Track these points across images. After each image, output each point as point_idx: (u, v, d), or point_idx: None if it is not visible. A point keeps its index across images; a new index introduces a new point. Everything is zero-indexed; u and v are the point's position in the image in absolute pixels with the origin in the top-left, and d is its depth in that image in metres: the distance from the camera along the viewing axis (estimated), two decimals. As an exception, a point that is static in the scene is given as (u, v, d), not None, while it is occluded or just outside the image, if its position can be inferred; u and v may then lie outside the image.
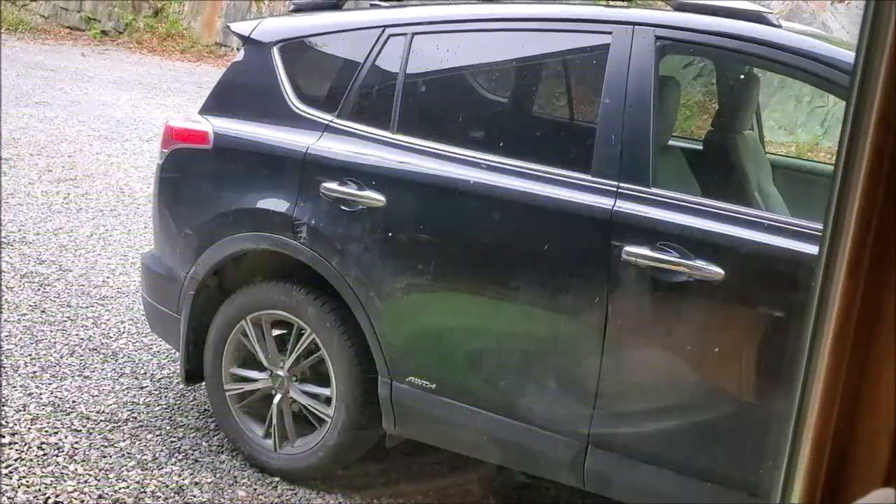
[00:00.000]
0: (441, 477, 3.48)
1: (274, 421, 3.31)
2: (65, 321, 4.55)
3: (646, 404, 2.65)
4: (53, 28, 16.30)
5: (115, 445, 3.46)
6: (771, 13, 2.68)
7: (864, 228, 0.69)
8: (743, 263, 2.45)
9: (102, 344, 4.34)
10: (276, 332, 3.31)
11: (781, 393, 2.41)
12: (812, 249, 2.33)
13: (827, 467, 0.79)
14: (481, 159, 2.86)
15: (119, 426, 3.60)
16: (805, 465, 0.80)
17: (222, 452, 3.49)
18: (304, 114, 3.21)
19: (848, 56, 2.47)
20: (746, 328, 2.49)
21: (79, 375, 4.00)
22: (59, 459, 3.32)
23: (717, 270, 2.43)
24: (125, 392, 3.90)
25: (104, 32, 16.19)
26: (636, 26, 2.70)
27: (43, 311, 4.63)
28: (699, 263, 2.45)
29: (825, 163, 5.31)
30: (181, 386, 3.97)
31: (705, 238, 2.48)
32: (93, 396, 3.82)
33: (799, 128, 10.11)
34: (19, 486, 3.14)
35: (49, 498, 3.10)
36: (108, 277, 5.21)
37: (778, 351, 2.41)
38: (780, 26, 2.62)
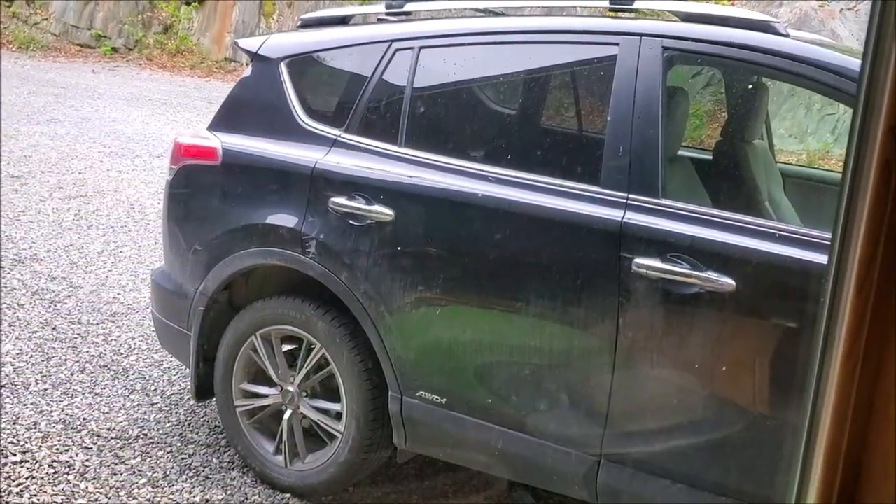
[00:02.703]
0: (451, 495, 3.46)
1: (284, 437, 3.30)
2: (76, 338, 4.56)
3: (658, 417, 2.63)
4: (64, 46, 16.43)
5: (126, 463, 3.46)
6: (778, 22, 2.67)
7: (871, 245, 0.68)
8: (754, 274, 2.43)
9: (113, 361, 4.35)
10: (285, 348, 3.31)
11: (795, 405, 2.39)
12: (824, 259, 2.31)
13: (840, 481, 0.78)
14: (489, 172, 2.86)
15: (130, 443, 3.60)
16: (818, 478, 0.78)
17: (233, 469, 3.48)
18: (312, 129, 3.21)
19: (856, 64, 2.46)
20: (759, 340, 2.47)
21: (89, 392, 4.00)
22: (70, 477, 3.32)
23: (728, 282, 2.41)
24: (136, 409, 3.90)
25: (114, 49, 16.31)
26: (643, 37, 2.70)
27: (54, 329, 4.64)
28: (710, 275, 2.43)
29: (836, 171, 5.29)
30: (192, 402, 3.97)
31: (716, 249, 2.46)
32: (103, 413, 3.83)
33: (809, 135, 10.07)
34: (30, 505, 3.13)
35: (60, 516, 3.10)
36: (118, 294, 5.22)
37: (791, 362, 2.39)
38: (788, 35, 2.61)
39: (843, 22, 10.91)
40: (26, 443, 3.52)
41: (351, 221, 3.01)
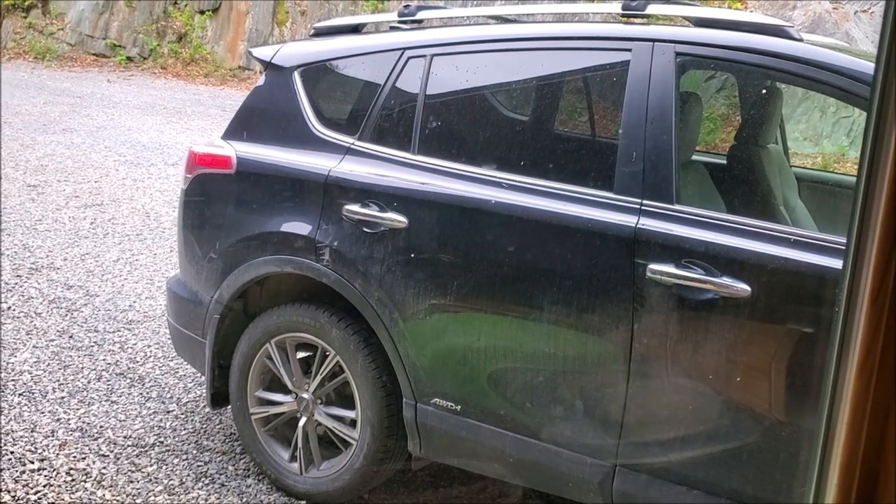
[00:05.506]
0: (466, 503, 3.46)
1: (299, 444, 3.31)
2: (92, 346, 4.58)
3: (674, 424, 2.61)
4: (80, 55, 16.55)
5: (143, 470, 3.47)
6: (791, 27, 2.65)
7: (886, 253, 0.67)
8: (770, 280, 2.41)
9: (129, 368, 4.37)
10: (300, 355, 3.32)
11: (812, 411, 2.37)
12: (840, 264, 2.30)
13: (857, 490, 0.77)
14: (503, 179, 2.85)
15: (146, 451, 3.61)
16: (835, 487, 0.78)
17: (248, 476, 3.49)
18: (325, 137, 3.23)
19: (871, 68, 2.45)
20: (775, 345, 2.45)
21: (106, 400, 4.02)
22: (87, 485, 3.34)
23: (743, 287, 2.40)
24: (152, 416, 3.91)
25: (129, 58, 16.42)
26: (656, 43, 2.69)
27: (71, 337, 4.67)
28: (725, 280, 2.42)
29: (851, 174, 5.26)
30: (207, 410, 3.99)
31: (731, 254, 2.44)
32: (120, 421, 3.84)
33: (825, 139, 10.03)
34: (48, 513, 3.15)
35: (77, 524, 3.11)
36: (134, 302, 5.25)
37: (807, 368, 2.38)
38: (801, 40, 2.59)
39: (857, 24, 10.85)
40: (44, 450, 3.54)
41: (365, 229, 3.02)
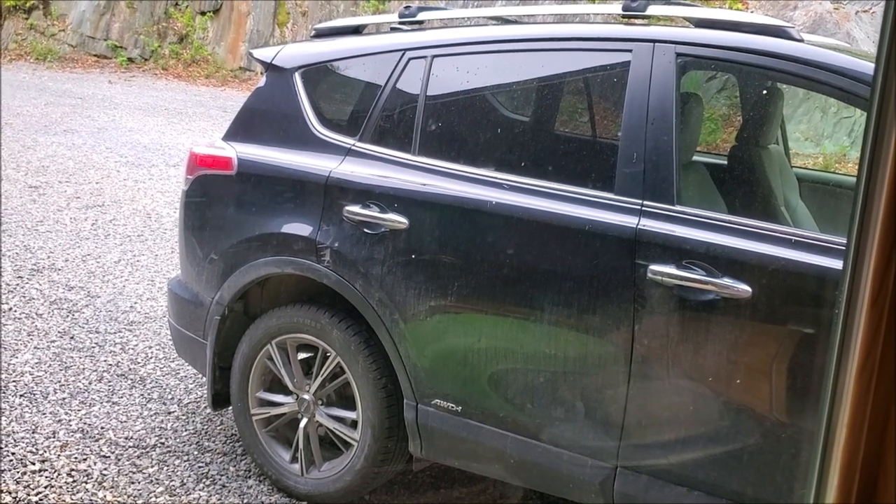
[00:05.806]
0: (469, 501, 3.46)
1: (300, 445, 3.31)
2: (93, 347, 4.59)
3: (675, 425, 2.61)
4: (81, 57, 16.56)
5: (144, 471, 3.47)
6: (792, 27, 2.65)
7: (886, 255, 0.67)
8: (771, 280, 2.41)
9: (130, 369, 4.37)
10: (301, 356, 3.32)
11: (813, 412, 2.37)
12: (841, 265, 2.30)
13: (857, 493, 0.77)
14: (503, 180, 2.85)
15: (147, 452, 3.61)
16: (835, 489, 0.78)
17: (249, 477, 3.49)
18: (326, 138, 3.23)
19: (871, 68, 2.44)
20: (776, 346, 2.45)
21: (107, 401, 4.03)
22: (89, 486, 3.34)
23: (744, 288, 2.40)
24: (153, 417, 3.91)
25: (130, 60, 16.43)
26: (656, 44, 2.69)
27: (72, 338, 4.67)
28: (726, 281, 2.42)
29: (853, 175, 5.26)
30: (208, 411, 3.99)
31: (732, 255, 2.44)
32: (121, 422, 3.84)
33: (826, 139, 10.02)
34: (49, 514, 3.15)
35: (78, 525, 3.11)
36: (135, 303, 5.25)
37: (808, 369, 2.37)
38: (801, 40, 2.59)
39: (858, 24, 10.85)
40: (45, 451, 3.55)
41: (365, 230, 3.02)
